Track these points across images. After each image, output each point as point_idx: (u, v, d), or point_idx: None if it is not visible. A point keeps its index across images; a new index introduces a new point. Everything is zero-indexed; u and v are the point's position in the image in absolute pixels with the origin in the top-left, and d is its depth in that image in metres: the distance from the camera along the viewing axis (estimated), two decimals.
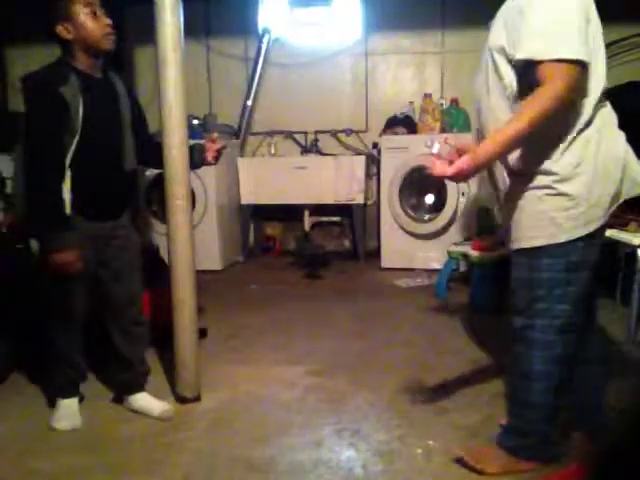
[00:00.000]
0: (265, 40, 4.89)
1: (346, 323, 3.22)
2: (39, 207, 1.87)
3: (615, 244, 3.07)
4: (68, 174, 1.87)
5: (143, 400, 2.19)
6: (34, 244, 3.05)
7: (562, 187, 1.53)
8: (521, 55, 1.47)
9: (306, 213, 4.93)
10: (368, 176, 4.80)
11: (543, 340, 1.63)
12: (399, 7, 4.66)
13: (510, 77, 1.54)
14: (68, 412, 2.11)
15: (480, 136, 1.67)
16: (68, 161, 1.87)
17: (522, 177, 1.60)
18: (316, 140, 4.98)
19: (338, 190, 4.57)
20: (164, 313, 2.22)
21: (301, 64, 4.98)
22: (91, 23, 1.87)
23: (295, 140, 5.10)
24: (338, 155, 4.78)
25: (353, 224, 4.82)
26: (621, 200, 1.59)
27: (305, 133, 5.08)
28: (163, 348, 2.49)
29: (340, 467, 1.82)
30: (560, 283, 1.59)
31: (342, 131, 5.03)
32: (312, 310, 3.45)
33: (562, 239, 1.56)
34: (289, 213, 5.07)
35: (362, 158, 4.62)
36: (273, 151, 5.01)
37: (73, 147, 1.87)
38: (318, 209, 4.93)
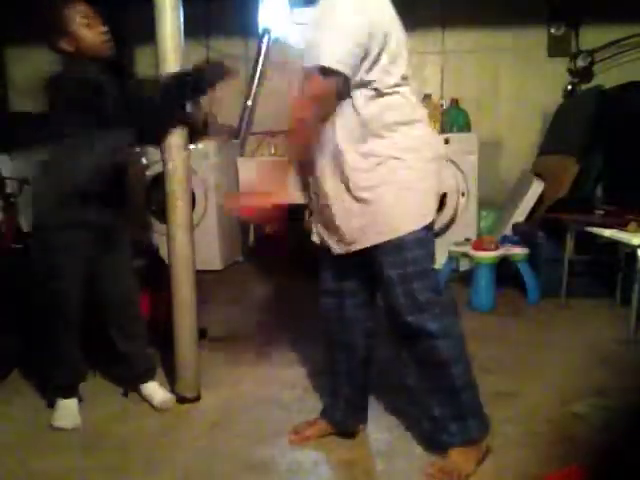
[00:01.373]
0: (265, 40, 4.89)
1: None
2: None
3: (615, 244, 3.07)
4: None
5: (148, 389, 2.24)
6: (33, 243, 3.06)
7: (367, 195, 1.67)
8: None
9: (306, 213, 4.92)
10: None
11: (444, 326, 1.72)
12: (399, 7, 4.59)
13: None
14: (68, 412, 2.11)
15: None
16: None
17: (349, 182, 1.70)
18: None
19: None
20: (164, 313, 2.22)
21: (301, 64, 4.96)
22: (87, 33, 1.92)
23: None
24: None
25: None
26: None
27: None
28: (163, 348, 2.49)
29: (340, 467, 1.82)
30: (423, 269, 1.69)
31: None
32: (312, 310, 3.44)
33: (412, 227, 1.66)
34: (289, 213, 5.06)
35: None
36: (273, 151, 5.01)
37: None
38: None
